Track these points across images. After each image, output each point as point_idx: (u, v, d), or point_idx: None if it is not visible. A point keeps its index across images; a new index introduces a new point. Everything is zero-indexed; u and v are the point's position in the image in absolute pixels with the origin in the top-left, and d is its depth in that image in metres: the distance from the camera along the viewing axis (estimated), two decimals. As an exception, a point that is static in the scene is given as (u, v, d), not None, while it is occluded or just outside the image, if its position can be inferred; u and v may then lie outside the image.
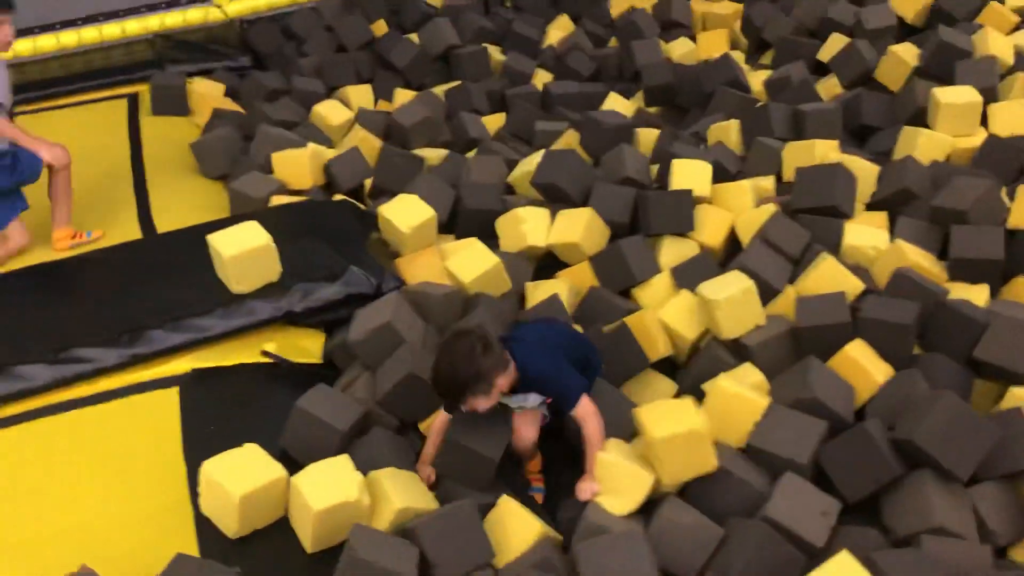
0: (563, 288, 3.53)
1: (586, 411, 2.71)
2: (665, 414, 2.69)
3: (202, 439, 2.87)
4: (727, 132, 4.50)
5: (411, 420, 3.04)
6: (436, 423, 2.85)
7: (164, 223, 4.18)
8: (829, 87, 4.98)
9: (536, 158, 4.18)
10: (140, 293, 3.41)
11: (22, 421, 2.94)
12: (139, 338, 3.17)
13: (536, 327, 3.11)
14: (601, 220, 3.77)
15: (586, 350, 3.01)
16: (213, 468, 2.54)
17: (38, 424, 2.94)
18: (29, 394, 3.00)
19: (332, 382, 3.25)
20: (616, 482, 2.63)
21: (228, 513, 2.50)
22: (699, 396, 2.98)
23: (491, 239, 3.86)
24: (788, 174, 4.08)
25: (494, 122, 5.24)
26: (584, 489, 2.66)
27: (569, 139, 4.57)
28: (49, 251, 3.90)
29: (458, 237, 4.01)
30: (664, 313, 3.32)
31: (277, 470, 2.57)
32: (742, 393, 2.82)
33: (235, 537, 2.52)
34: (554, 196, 3.97)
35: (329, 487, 2.48)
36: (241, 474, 2.51)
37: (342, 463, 2.57)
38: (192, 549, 2.50)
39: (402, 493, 2.57)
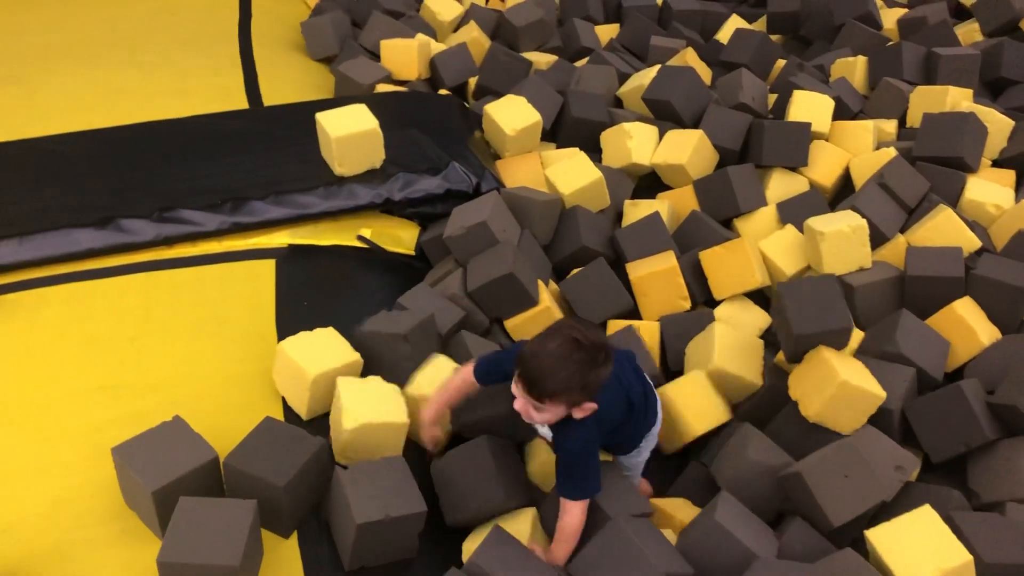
0: (663, 209, 3.46)
1: (574, 508, 2.21)
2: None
3: (293, 314, 2.92)
4: (853, 68, 4.29)
5: (497, 317, 3.05)
6: (454, 381, 2.42)
7: (269, 97, 4.20)
8: (968, 32, 4.69)
9: (650, 73, 4.05)
10: (245, 163, 3.44)
11: (126, 273, 3.01)
12: (241, 207, 3.20)
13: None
14: (711, 144, 3.66)
15: (631, 409, 2.38)
16: (290, 346, 2.57)
17: (140, 278, 3.01)
18: (133, 248, 3.07)
19: (423, 274, 3.29)
20: None
21: (299, 393, 2.54)
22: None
23: (593, 152, 3.78)
24: (913, 119, 3.89)
25: (607, 32, 5.09)
26: None
27: (686, 57, 4.42)
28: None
29: (560, 146, 3.95)
30: (765, 245, 3.24)
31: (351, 355, 2.60)
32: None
33: (304, 418, 2.57)
34: (665, 114, 3.86)
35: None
36: (317, 355, 2.54)
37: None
38: (278, 416, 2.56)
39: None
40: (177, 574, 1.98)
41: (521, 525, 2.34)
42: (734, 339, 2.90)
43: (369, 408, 2.41)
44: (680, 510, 2.56)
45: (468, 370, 2.34)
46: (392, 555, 2.26)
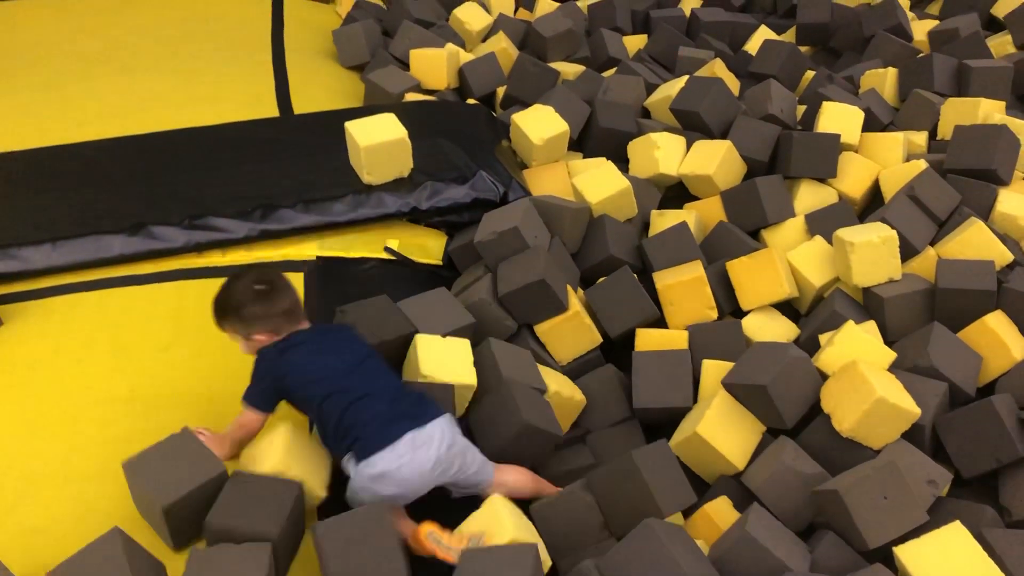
0: (690, 219, 3.45)
1: (239, 420, 2.38)
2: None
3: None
4: (883, 80, 4.27)
5: (526, 322, 3.05)
6: (242, 421, 2.40)
7: (300, 104, 4.24)
8: (1000, 45, 4.65)
9: (678, 84, 4.05)
10: (275, 170, 3.47)
11: (157, 281, 3.04)
12: (271, 214, 3.23)
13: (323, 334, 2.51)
14: (738, 155, 3.65)
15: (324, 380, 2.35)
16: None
17: (171, 286, 3.04)
18: (164, 254, 3.11)
19: (450, 283, 3.30)
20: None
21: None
22: (815, 347, 2.90)
23: (620, 162, 3.78)
24: (944, 131, 3.86)
25: (635, 43, 5.10)
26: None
27: (714, 68, 4.41)
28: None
29: (587, 156, 3.95)
30: (793, 256, 3.22)
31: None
32: (872, 341, 2.76)
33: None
34: (692, 125, 3.86)
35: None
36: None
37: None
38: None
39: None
40: (222, 538, 2.04)
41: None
42: (732, 412, 2.75)
43: (441, 366, 2.54)
44: (721, 514, 2.53)
45: (248, 413, 2.39)
46: None
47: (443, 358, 2.64)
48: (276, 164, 3.51)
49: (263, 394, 2.38)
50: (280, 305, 2.41)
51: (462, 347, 2.70)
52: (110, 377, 2.69)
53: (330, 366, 2.35)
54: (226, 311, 2.44)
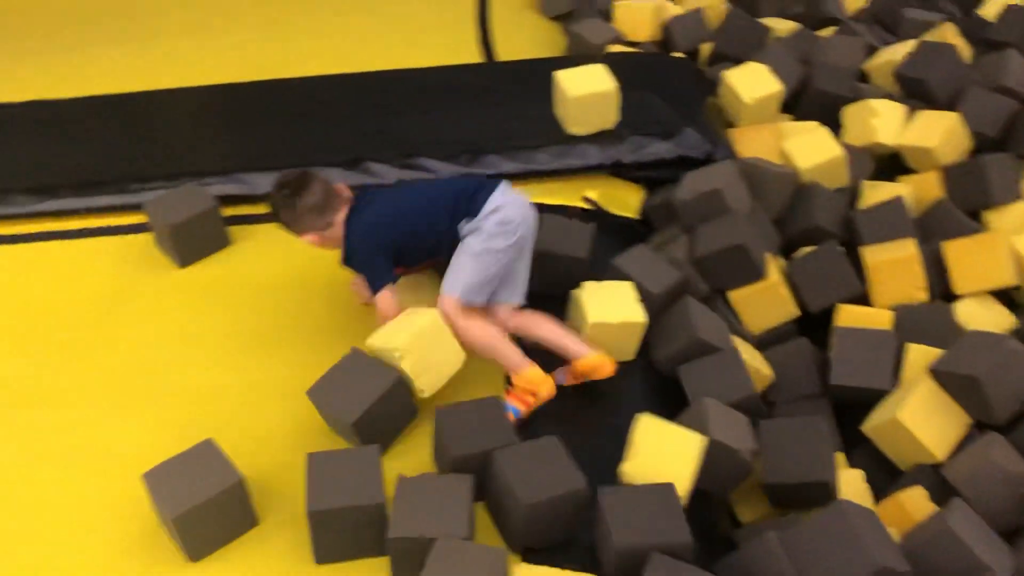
0: (906, 193, 3.26)
1: (385, 303, 2.50)
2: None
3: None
4: None
5: (719, 288, 3.00)
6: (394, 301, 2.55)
7: (502, 52, 4.30)
8: None
9: (902, 48, 3.82)
10: (481, 116, 3.54)
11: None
12: (476, 159, 3.31)
13: (390, 193, 2.71)
14: (966, 129, 3.41)
15: (435, 220, 2.55)
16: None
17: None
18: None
19: (645, 239, 3.28)
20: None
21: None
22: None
23: (833, 127, 3.61)
24: None
25: (855, 2, 4.81)
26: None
27: (944, 33, 4.11)
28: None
29: (797, 118, 3.80)
30: (1020, 241, 2.99)
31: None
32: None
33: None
34: (917, 93, 3.63)
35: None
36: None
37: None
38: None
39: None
40: (407, 546, 2.01)
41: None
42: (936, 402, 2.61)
43: (609, 310, 2.56)
44: (916, 504, 2.43)
45: (382, 299, 2.52)
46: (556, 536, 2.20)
47: (607, 302, 2.62)
48: (482, 110, 3.58)
49: (381, 267, 2.52)
50: (308, 200, 2.50)
51: (625, 289, 2.67)
52: (325, 305, 2.85)
53: (409, 196, 2.63)
54: (281, 224, 2.59)
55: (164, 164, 3.32)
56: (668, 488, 2.13)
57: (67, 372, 2.65)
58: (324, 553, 2.13)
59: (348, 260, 2.58)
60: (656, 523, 2.06)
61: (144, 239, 3.11)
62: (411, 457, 2.39)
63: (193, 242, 2.98)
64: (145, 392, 2.59)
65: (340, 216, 2.55)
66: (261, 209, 3.20)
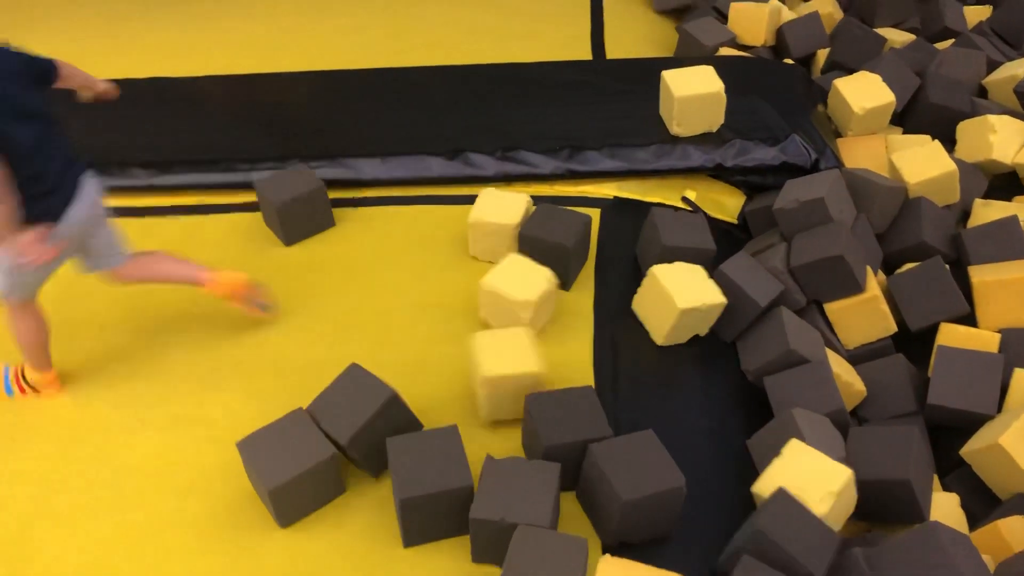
0: (1021, 213, 3.14)
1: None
2: None
3: (610, 260, 3.02)
4: None
5: (816, 299, 2.95)
6: None
7: (612, 48, 4.30)
8: None
9: (1027, 63, 3.67)
10: (584, 113, 3.55)
11: (467, 203, 3.22)
12: (577, 155, 3.32)
13: None
14: (1091, 150, 3.26)
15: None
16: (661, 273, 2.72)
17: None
18: (477, 180, 3.30)
19: (741, 243, 3.24)
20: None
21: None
22: None
23: (946, 142, 3.51)
24: None
25: (976, 14, 4.65)
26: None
27: (1073, 49, 3.95)
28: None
29: (908, 131, 3.70)
30: None
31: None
32: None
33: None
34: (1039, 110, 3.49)
35: None
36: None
37: None
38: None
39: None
40: (489, 528, 2.05)
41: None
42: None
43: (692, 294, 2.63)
44: (1014, 533, 2.35)
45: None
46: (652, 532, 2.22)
47: (687, 285, 2.66)
48: (585, 107, 3.59)
49: None
50: None
51: (699, 272, 2.71)
52: (417, 285, 2.93)
53: None
54: None
55: (274, 146, 3.43)
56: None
57: (170, 345, 2.77)
58: (411, 537, 2.18)
59: None
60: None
61: (252, 217, 3.23)
62: (499, 439, 2.43)
63: (299, 221, 3.08)
64: (242, 365, 2.68)
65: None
66: (365, 193, 3.30)
